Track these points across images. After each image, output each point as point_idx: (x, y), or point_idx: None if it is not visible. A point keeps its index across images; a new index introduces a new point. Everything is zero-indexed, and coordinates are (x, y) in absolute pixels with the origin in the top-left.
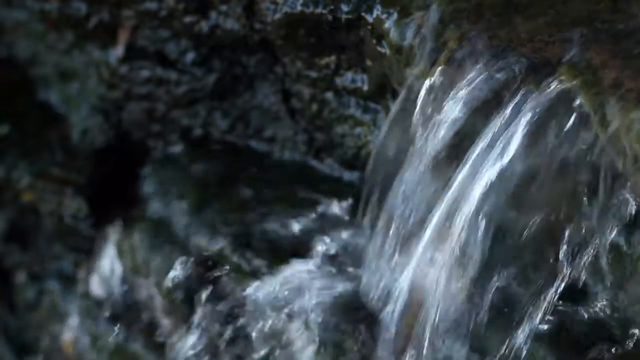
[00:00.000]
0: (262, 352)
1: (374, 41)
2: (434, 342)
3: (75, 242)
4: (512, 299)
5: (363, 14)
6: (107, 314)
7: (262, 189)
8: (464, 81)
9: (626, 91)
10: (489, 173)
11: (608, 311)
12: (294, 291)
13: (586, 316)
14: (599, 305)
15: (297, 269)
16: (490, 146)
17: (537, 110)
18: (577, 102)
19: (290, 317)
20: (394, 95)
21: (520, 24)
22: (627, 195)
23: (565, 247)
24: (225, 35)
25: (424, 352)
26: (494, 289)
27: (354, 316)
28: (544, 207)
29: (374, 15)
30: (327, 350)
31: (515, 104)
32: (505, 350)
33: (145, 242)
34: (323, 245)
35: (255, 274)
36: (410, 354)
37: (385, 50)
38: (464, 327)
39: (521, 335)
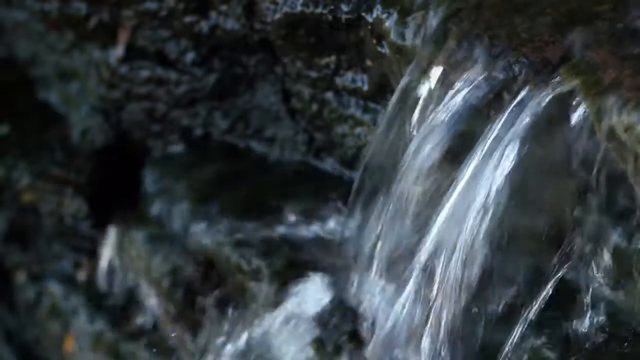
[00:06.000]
0: (263, 351)
1: (374, 41)
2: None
3: (75, 242)
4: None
5: (363, 14)
6: (106, 313)
7: (262, 189)
8: (464, 81)
9: (626, 91)
10: (491, 174)
11: (607, 311)
12: (293, 291)
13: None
14: (598, 305)
15: (297, 269)
16: (491, 147)
17: (538, 110)
18: (577, 102)
19: (290, 316)
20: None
21: (520, 24)
22: (628, 195)
23: (567, 246)
24: (225, 35)
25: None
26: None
27: (353, 316)
28: (546, 207)
29: (374, 15)
30: (327, 350)
31: (516, 104)
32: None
33: (145, 242)
34: (323, 245)
35: (255, 274)
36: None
37: (385, 50)
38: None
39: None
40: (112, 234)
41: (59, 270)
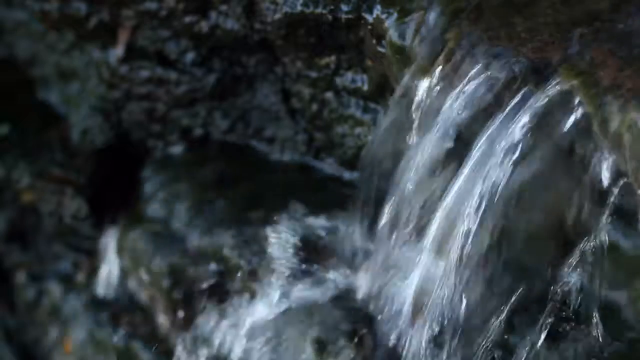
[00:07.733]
0: (263, 351)
1: (374, 41)
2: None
3: (75, 242)
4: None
5: (363, 14)
6: (106, 313)
7: (262, 189)
8: (464, 81)
9: (626, 91)
10: (490, 174)
11: (606, 311)
12: (293, 291)
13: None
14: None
15: (297, 269)
16: (491, 147)
17: (537, 110)
18: (577, 102)
19: (290, 316)
20: (394, 95)
21: (520, 24)
22: (627, 195)
23: (566, 246)
24: (225, 35)
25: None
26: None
27: (353, 316)
28: (546, 207)
29: (374, 15)
30: (327, 350)
31: (515, 104)
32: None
33: (145, 242)
34: (322, 245)
35: (254, 274)
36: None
37: (385, 50)
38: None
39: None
40: (112, 234)
41: (59, 270)
